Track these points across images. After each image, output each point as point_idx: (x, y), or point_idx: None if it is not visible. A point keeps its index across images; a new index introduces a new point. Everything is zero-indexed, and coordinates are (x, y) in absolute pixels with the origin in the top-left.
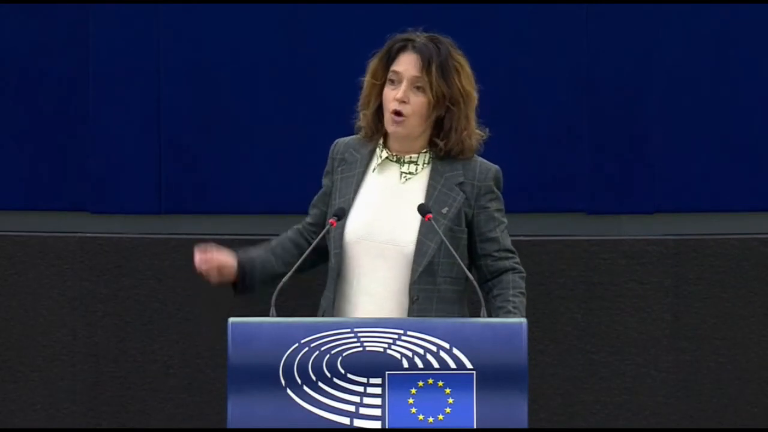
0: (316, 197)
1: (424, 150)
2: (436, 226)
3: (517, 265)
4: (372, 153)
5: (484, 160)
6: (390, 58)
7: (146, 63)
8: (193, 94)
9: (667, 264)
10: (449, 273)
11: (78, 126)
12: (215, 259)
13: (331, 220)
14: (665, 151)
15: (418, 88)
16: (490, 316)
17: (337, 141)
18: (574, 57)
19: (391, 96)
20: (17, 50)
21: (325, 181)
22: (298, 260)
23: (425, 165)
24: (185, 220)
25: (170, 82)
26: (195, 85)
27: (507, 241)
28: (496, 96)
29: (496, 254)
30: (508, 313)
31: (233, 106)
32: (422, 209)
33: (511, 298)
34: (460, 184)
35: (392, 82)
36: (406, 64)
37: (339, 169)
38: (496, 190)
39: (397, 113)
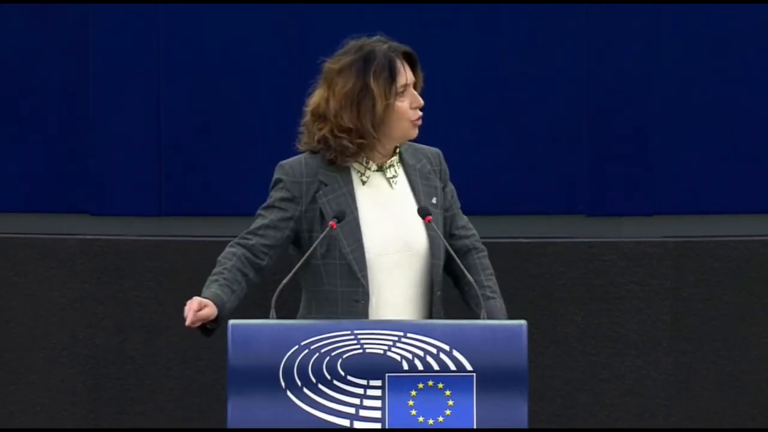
0: (273, 218)
1: (396, 151)
2: (434, 226)
3: (477, 243)
4: (348, 170)
5: (422, 145)
6: (392, 75)
7: (146, 64)
8: (193, 96)
9: (667, 266)
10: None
11: (78, 128)
12: (202, 318)
13: (331, 222)
14: (665, 152)
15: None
16: (467, 303)
17: (287, 164)
18: (574, 57)
19: (406, 106)
20: (17, 51)
21: (286, 205)
22: (244, 291)
23: (398, 164)
24: (185, 222)
25: (170, 83)
26: (195, 87)
27: (465, 219)
28: (496, 97)
29: (456, 232)
30: (488, 299)
31: (233, 107)
32: (423, 212)
33: (486, 283)
34: (429, 172)
35: (402, 94)
36: (407, 73)
37: (320, 192)
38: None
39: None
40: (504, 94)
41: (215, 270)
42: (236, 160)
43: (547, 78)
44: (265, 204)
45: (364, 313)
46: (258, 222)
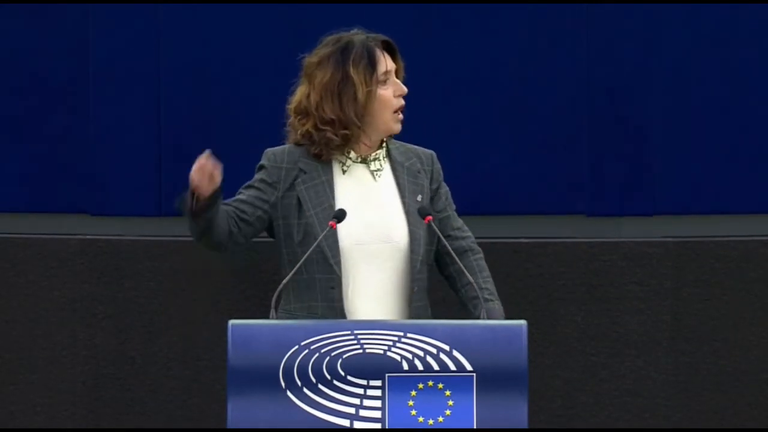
0: (249, 194)
1: (382, 145)
2: (434, 226)
3: (473, 245)
4: (330, 160)
5: (417, 146)
6: (372, 63)
7: (146, 63)
8: (193, 95)
9: (667, 266)
10: (428, 260)
11: (78, 127)
12: (208, 171)
13: (331, 222)
14: (665, 153)
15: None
16: (464, 305)
17: (271, 151)
18: (574, 57)
19: (390, 94)
20: (17, 50)
21: (264, 187)
22: (225, 228)
23: (385, 159)
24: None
25: (170, 82)
26: (195, 86)
27: (460, 221)
28: (496, 97)
29: (452, 233)
30: (486, 302)
31: (233, 107)
32: (423, 212)
33: (484, 286)
34: (418, 171)
35: (384, 82)
36: (387, 60)
37: (298, 180)
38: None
39: (401, 109)
40: (504, 94)
41: None
42: (236, 160)
43: (547, 78)
44: (245, 184)
45: (339, 299)
46: (235, 197)
